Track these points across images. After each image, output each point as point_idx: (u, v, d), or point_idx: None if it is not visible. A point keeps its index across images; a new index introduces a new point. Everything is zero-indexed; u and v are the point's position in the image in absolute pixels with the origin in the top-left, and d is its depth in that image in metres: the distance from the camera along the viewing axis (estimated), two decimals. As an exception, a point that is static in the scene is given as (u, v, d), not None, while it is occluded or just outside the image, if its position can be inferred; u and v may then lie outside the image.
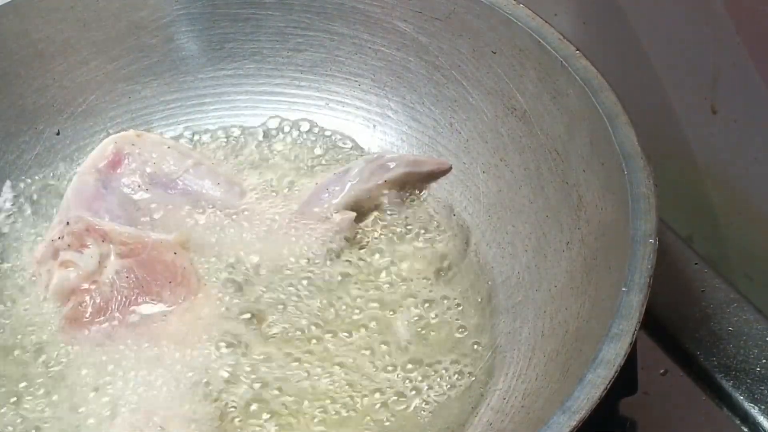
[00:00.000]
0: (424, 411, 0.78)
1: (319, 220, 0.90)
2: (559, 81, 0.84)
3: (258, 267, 0.87)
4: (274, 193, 0.93)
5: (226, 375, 0.80)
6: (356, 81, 1.00)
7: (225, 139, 1.01)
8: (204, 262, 0.88)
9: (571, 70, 0.82)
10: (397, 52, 0.97)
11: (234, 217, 0.91)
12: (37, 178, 0.98)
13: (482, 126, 0.92)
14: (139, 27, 1.01)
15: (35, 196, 0.96)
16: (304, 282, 0.86)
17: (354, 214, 0.91)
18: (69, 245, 0.86)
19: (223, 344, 0.82)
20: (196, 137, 1.01)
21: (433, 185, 0.94)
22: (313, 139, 0.99)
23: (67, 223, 0.87)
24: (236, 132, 1.01)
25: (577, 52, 0.83)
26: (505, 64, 0.89)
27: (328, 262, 0.88)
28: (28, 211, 0.95)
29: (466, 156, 0.93)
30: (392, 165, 0.92)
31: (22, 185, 0.97)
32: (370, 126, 0.97)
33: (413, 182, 0.93)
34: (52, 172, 0.98)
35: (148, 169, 0.93)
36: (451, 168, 0.93)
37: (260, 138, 1.00)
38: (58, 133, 0.99)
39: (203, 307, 0.84)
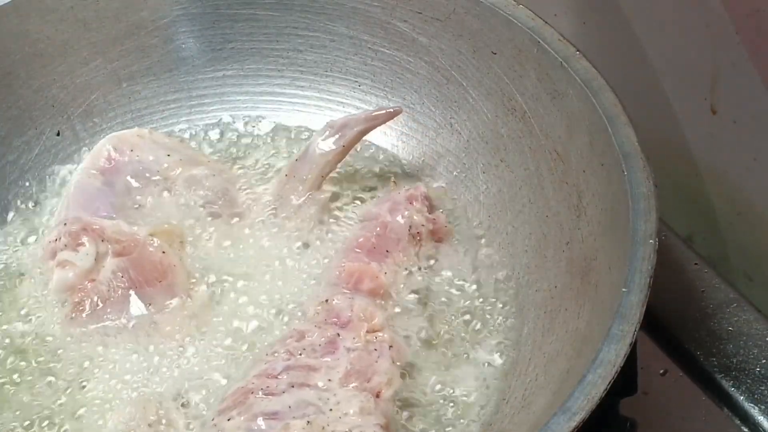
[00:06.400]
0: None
1: (295, 209, 0.90)
2: (558, 81, 0.84)
3: (246, 264, 0.88)
4: (266, 191, 0.93)
5: (217, 371, 0.81)
6: (356, 81, 1.00)
7: (224, 139, 1.01)
8: (196, 259, 0.88)
9: (570, 71, 0.82)
10: (397, 53, 0.97)
11: (226, 213, 0.92)
12: (37, 178, 0.98)
13: (482, 126, 0.92)
14: (139, 27, 1.01)
15: (35, 197, 0.97)
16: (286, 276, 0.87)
17: (328, 194, 0.92)
18: (66, 245, 0.86)
19: (213, 342, 0.83)
20: (196, 137, 1.01)
21: (433, 186, 0.94)
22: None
23: (65, 223, 0.88)
24: (235, 131, 1.01)
25: (577, 52, 0.83)
26: (505, 64, 0.89)
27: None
28: (29, 212, 0.95)
29: (466, 156, 0.93)
30: (345, 130, 0.92)
31: (22, 186, 0.97)
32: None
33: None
34: (52, 173, 0.98)
35: (146, 168, 0.93)
36: (401, 110, 0.93)
37: (259, 137, 1.01)
38: (58, 134, 0.99)
39: (193, 306, 0.85)
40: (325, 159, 0.91)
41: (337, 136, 0.92)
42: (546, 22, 0.86)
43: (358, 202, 0.93)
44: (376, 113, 0.93)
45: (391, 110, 0.93)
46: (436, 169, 0.95)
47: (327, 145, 0.91)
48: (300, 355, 0.77)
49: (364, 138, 0.97)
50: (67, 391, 0.81)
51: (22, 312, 0.87)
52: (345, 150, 0.92)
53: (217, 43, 1.02)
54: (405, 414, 0.77)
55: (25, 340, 0.85)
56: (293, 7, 1.00)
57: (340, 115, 0.98)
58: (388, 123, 0.97)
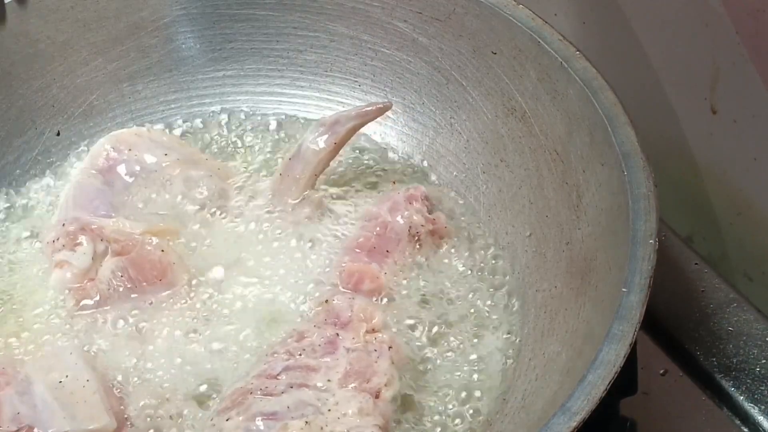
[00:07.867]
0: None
1: (290, 208, 0.90)
2: (558, 81, 0.84)
3: (245, 264, 0.88)
4: (262, 190, 0.93)
5: (216, 371, 0.81)
6: (356, 81, 1.00)
7: (223, 139, 1.01)
8: (195, 259, 0.88)
9: (570, 71, 0.82)
10: (397, 53, 0.97)
11: (222, 213, 0.92)
12: (37, 178, 0.98)
13: (482, 126, 0.92)
14: (139, 27, 1.01)
15: (35, 197, 0.96)
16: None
17: (323, 193, 0.91)
18: (64, 245, 0.86)
19: (213, 342, 0.83)
20: (195, 136, 1.01)
21: (433, 185, 0.94)
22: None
23: (63, 224, 0.88)
24: (234, 131, 1.01)
25: (577, 52, 0.83)
26: (505, 64, 0.89)
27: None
28: (28, 212, 0.95)
29: (466, 156, 0.93)
30: (337, 126, 0.91)
31: (22, 186, 0.97)
32: (371, 126, 0.96)
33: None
34: (52, 173, 0.98)
35: (144, 168, 0.93)
36: (391, 105, 0.93)
37: (258, 137, 1.01)
38: (58, 134, 0.99)
39: (192, 304, 0.85)
40: (318, 157, 0.91)
41: (328, 134, 0.91)
42: (546, 22, 0.87)
43: (357, 202, 0.93)
44: (367, 109, 0.92)
45: (381, 105, 0.92)
46: (436, 169, 0.95)
47: (319, 143, 0.91)
48: (299, 355, 0.77)
49: (363, 138, 0.97)
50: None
51: (25, 307, 0.87)
52: (337, 147, 0.92)
53: (217, 43, 1.02)
54: (405, 414, 0.77)
55: (27, 332, 0.85)
56: (293, 7, 1.00)
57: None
58: (388, 123, 0.97)
